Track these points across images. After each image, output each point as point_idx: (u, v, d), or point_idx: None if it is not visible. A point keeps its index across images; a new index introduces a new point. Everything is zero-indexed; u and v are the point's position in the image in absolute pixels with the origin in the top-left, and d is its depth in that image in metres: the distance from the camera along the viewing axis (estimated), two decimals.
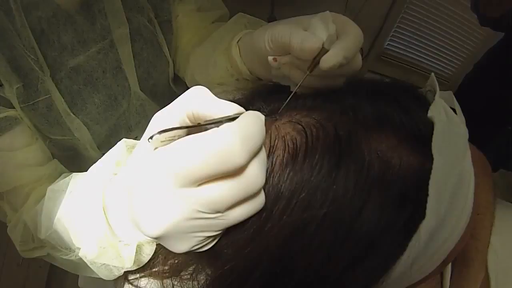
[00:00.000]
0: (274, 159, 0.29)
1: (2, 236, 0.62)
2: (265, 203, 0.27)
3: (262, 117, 0.26)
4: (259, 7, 1.80)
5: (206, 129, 0.26)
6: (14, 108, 0.53)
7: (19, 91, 0.52)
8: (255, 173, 0.25)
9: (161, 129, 0.25)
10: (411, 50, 2.05)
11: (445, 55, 2.01)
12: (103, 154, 0.44)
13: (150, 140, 0.24)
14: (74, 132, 0.60)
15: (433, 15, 1.85)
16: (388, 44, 2.06)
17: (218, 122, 0.26)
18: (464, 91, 1.31)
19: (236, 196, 0.25)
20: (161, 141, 0.25)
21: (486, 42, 1.74)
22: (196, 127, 0.27)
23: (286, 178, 0.28)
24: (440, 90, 0.34)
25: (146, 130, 0.27)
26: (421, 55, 2.05)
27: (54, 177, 0.54)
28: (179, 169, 0.23)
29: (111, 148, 0.69)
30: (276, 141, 0.30)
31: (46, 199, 0.44)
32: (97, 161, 0.62)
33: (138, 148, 0.28)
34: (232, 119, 0.26)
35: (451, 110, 0.32)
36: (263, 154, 0.26)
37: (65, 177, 0.44)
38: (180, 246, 0.27)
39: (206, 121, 0.26)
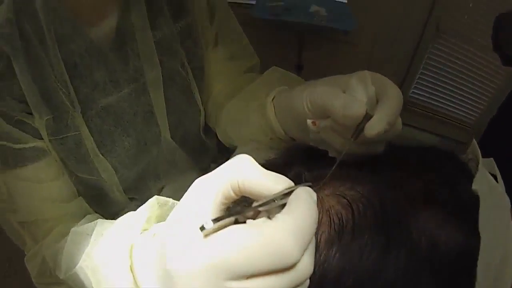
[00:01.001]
0: (319, 236, 0.28)
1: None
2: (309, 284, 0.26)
3: (315, 196, 0.25)
4: (286, 54, 1.85)
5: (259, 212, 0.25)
6: (42, 139, 0.52)
7: (48, 123, 0.51)
8: (306, 266, 0.24)
9: (214, 217, 0.23)
10: (434, 97, 2.13)
11: (468, 100, 2.04)
12: (129, 198, 0.43)
13: (202, 229, 0.23)
14: (101, 173, 0.59)
15: (453, 63, 1.94)
16: (413, 92, 2.11)
17: (270, 203, 0.25)
18: (489, 135, 1.28)
19: None
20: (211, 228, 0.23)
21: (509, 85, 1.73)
22: (246, 208, 0.25)
23: (332, 260, 0.27)
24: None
25: (185, 199, 0.26)
26: (444, 101, 2.11)
27: (78, 216, 0.54)
28: (230, 264, 0.22)
29: (137, 193, 0.66)
30: (321, 215, 0.29)
31: (69, 241, 0.43)
32: (122, 205, 0.59)
33: (182, 227, 0.25)
34: (284, 194, 0.25)
35: (493, 179, 0.31)
36: (313, 242, 0.25)
37: (89, 220, 0.44)
38: None
39: (257, 202, 0.25)
